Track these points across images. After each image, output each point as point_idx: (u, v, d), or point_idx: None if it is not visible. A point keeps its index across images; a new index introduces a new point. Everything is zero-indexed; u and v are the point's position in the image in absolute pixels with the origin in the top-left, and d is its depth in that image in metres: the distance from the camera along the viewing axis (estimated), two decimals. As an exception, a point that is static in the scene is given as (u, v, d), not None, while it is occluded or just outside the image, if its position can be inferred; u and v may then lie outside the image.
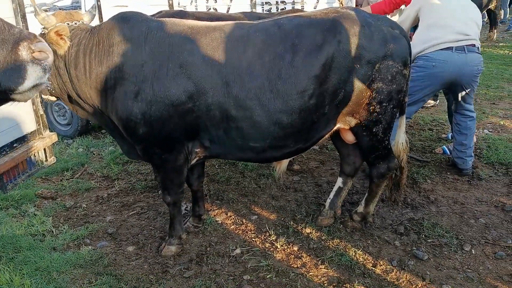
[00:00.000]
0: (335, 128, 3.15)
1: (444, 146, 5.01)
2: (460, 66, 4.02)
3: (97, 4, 5.41)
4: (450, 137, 5.29)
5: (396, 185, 3.57)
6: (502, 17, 14.20)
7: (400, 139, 3.43)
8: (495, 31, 13.52)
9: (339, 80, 2.90)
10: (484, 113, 6.38)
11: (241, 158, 3.39)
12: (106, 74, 2.93)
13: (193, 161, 3.19)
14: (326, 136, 3.21)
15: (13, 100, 1.86)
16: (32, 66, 1.76)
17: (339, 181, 3.69)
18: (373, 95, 2.98)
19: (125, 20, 3.00)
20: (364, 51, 2.89)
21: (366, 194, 3.54)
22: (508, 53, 11.13)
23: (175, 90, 2.84)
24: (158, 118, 2.88)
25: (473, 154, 4.46)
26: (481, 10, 13.48)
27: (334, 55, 2.86)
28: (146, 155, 3.14)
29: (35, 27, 3.16)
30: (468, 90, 4.22)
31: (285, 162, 3.55)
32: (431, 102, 6.83)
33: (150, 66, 2.85)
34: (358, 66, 2.90)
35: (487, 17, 14.49)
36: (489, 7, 13.15)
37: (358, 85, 2.93)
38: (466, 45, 4.06)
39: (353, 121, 3.10)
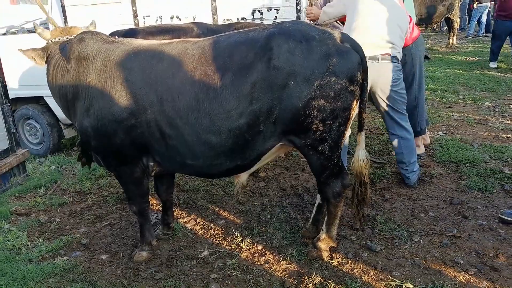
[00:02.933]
0: (277, 145, 3.04)
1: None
2: (373, 74, 3.84)
3: (64, 25, 5.59)
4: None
5: (361, 201, 3.38)
6: (460, 25, 14.88)
7: (360, 156, 3.25)
8: (454, 38, 14.18)
9: (272, 98, 2.80)
10: (439, 116, 6.78)
11: (185, 172, 3.56)
12: (66, 88, 3.26)
13: (152, 174, 3.38)
14: (270, 153, 3.12)
15: None
16: None
17: (318, 198, 3.59)
18: (314, 113, 2.85)
19: (82, 39, 3.30)
20: (300, 68, 2.77)
21: (326, 218, 3.38)
22: (466, 59, 11.68)
23: (117, 107, 3.02)
24: (105, 133, 3.10)
25: (416, 168, 4.47)
26: (440, 19, 14.20)
27: (264, 73, 2.78)
28: (105, 165, 3.41)
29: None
30: (388, 100, 4.17)
31: (243, 176, 3.40)
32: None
33: (97, 84, 3.09)
34: (293, 83, 2.78)
35: (446, 25, 15.21)
36: (447, 15, 13.85)
37: (294, 102, 2.81)
38: (381, 54, 4.05)
39: (296, 139, 2.98)
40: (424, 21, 14.24)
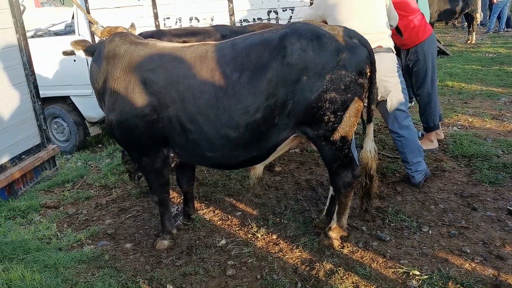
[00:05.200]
0: (291, 136, 3.22)
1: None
2: None
3: (90, 30, 5.86)
4: (420, 135, 5.73)
5: (366, 194, 3.54)
6: (479, 20, 14.72)
7: (368, 147, 3.40)
8: (474, 34, 14.06)
9: (286, 92, 2.98)
10: (455, 111, 6.82)
11: (204, 164, 3.76)
12: (99, 83, 3.57)
13: (172, 165, 3.60)
14: (284, 144, 3.29)
15: None
16: None
17: (331, 190, 3.68)
18: (326, 105, 3.02)
19: (112, 39, 3.58)
20: (311, 63, 2.94)
21: (337, 208, 3.52)
22: (485, 55, 11.60)
23: (139, 104, 3.28)
24: (127, 126, 3.37)
25: (422, 168, 4.43)
26: (459, 14, 14.11)
27: (278, 70, 2.96)
28: (129, 155, 3.73)
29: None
30: (386, 94, 4.10)
31: (259, 168, 3.57)
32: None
33: (122, 82, 3.36)
34: (305, 78, 2.95)
35: (465, 21, 15.09)
36: (466, 11, 13.75)
37: (307, 95, 2.98)
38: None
39: (309, 131, 3.15)
40: (443, 17, 14.19)
